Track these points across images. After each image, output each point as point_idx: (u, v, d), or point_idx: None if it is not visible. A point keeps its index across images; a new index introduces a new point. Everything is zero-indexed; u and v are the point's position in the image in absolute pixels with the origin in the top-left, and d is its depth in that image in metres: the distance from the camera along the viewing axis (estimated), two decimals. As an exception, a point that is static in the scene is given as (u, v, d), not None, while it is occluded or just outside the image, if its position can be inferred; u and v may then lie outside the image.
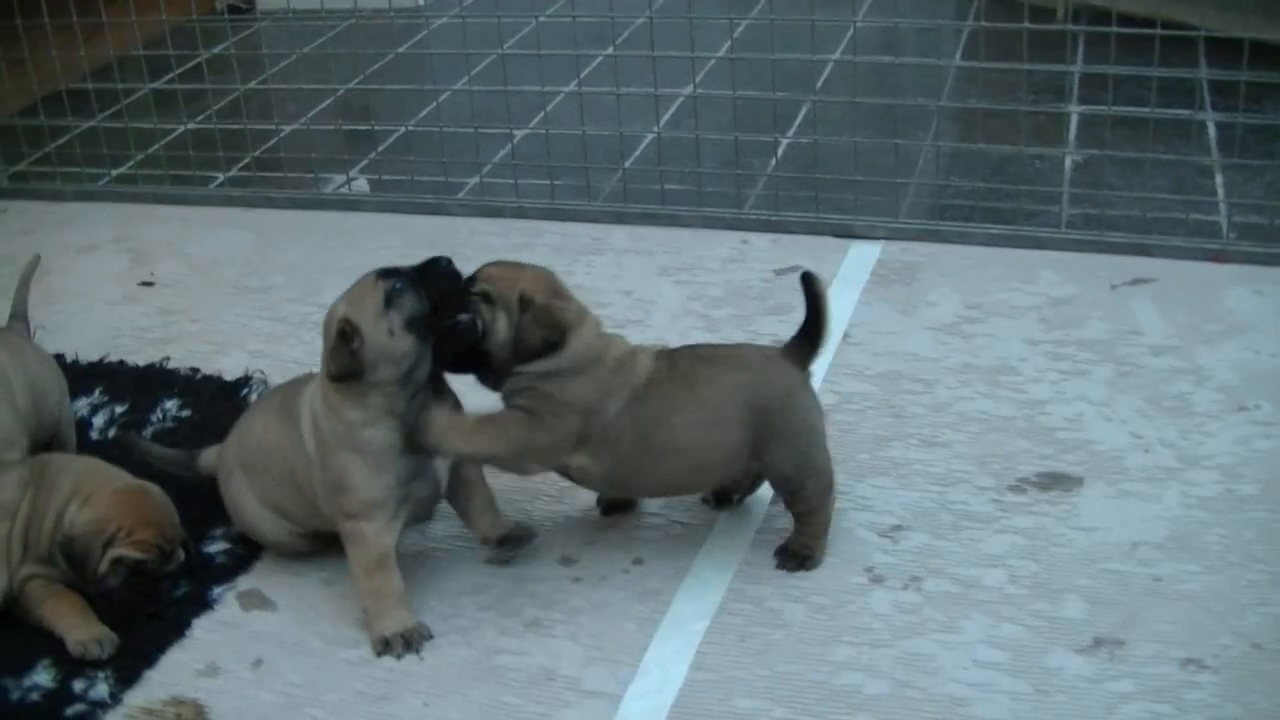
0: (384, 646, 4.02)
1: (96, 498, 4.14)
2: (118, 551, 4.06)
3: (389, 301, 3.94)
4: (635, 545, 4.32)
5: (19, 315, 4.93)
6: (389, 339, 3.93)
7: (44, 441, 4.57)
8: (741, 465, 4.16)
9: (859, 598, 4.07)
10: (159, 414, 5.20)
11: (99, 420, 5.18)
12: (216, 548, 4.48)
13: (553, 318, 4.01)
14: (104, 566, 4.06)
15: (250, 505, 4.31)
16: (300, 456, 4.14)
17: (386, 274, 3.99)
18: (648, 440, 4.04)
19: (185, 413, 5.20)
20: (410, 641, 4.02)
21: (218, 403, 5.24)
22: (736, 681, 3.82)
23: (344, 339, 3.93)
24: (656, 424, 4.04)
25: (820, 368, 4.98)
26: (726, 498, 4.43)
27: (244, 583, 4.35)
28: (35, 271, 5.06)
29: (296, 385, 4.34)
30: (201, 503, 4.58)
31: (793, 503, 4.17)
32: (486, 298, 4.03)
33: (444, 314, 3.99)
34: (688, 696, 3.77)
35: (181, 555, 4.20)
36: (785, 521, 4.32)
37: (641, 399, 4.04)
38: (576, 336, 4.03)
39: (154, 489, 4.26)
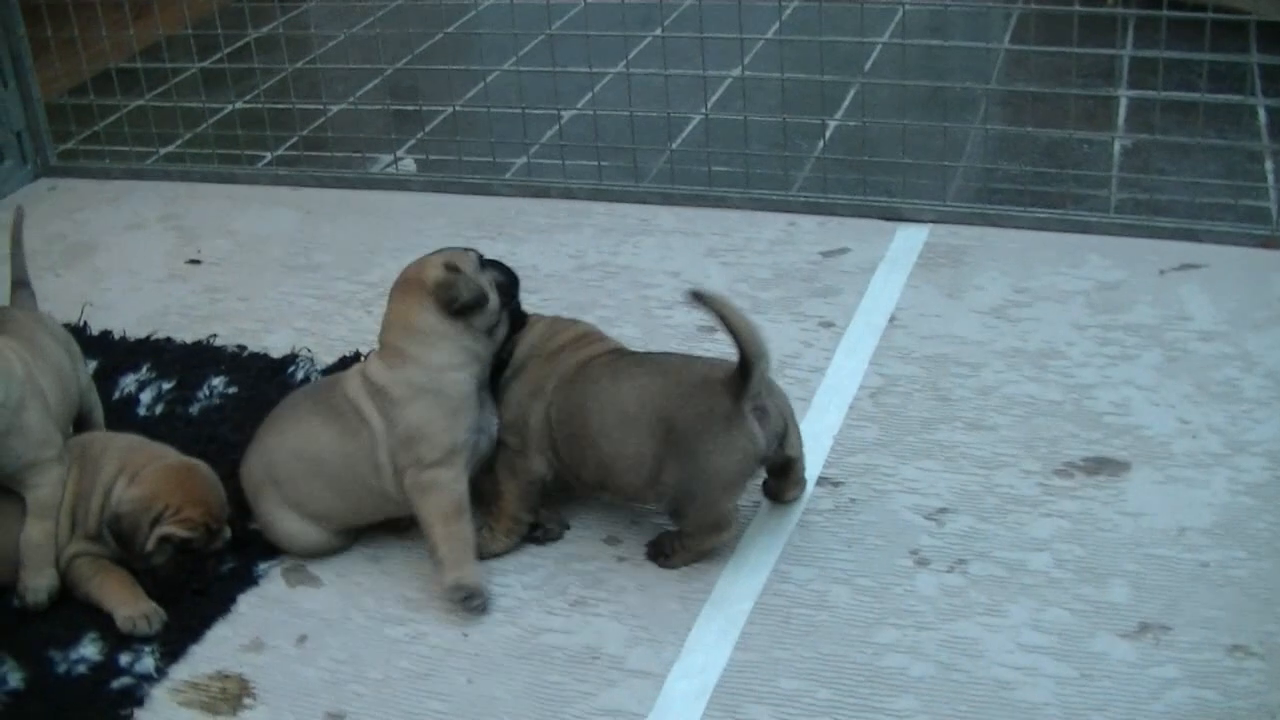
0: (463, 594, 4.06)
1: (144, 475, 4.16)
2: (165, 529, 4.08)
3: (482, 264, 4.24)
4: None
5: (22, 281, 4.87)
6: (488, 288, 4.15)
7: (74, 416, 4.59)
8: (645, 476, 4.07)
9: (904, 580, 4.06)
10: (206, 391, 5.22)
11: (146, 396, 5.21)
12: (262, 524, 4.49)
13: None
14: (151, 544, 4.08)
15: (288, 518, 4.31)
16: (359, 445, 4.16)
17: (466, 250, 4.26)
18: (567, 424, 4.14)
19: (232, 390, 5.21)
20: (486, 595, 4.08)
21: (264, 380, 5.26)
22: (780, 663, 3.82)
23: (452, 271, 4.14)
24: (575, 409, 4.12)
25: (867, 350, 5.02)
26: (778, 494, 4.37)
27: (290, 559, 4.37)
28: (23, 228, 4.97)
29: (324, 390, 4.38)
30: (246, 479, 4.62)
31: (673, 518, 4.15)
32: None
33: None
34: (731, 677, 3.77)
35: (228, 533, 4.23)
36: (831, 504, 4.33)
37: (571, 382, 4.14)
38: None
39: (202, 466, 4.28)
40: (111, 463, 4.23)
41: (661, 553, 4.16)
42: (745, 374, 3.91)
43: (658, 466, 4.00)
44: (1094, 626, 3.86)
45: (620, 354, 4.24)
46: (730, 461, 3.97)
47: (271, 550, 4.39)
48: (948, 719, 3.62)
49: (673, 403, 3.99)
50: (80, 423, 4.65)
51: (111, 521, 4.13)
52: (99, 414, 4.80)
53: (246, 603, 4.20)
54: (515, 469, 4.23)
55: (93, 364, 4.99)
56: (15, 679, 3.99)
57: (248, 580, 4.28)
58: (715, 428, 3.94)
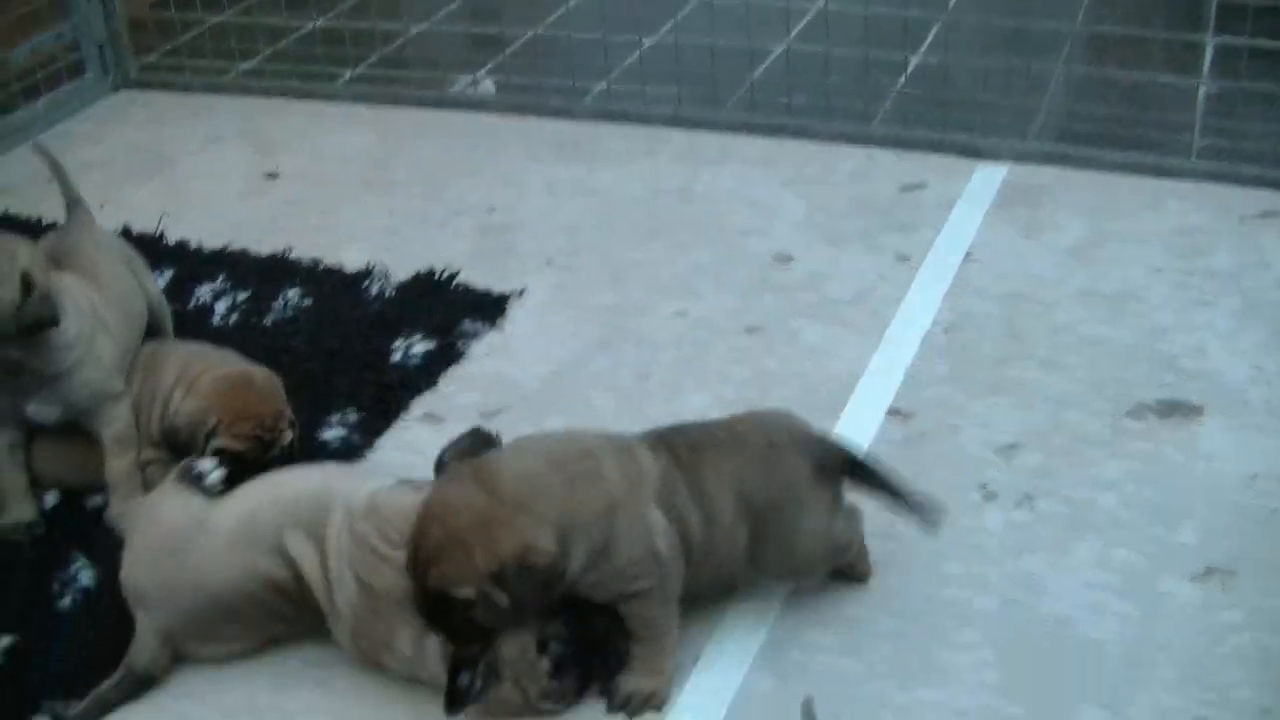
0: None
1: (198, 386, 4.19)
2: (218, 443, 4.10)
3: None
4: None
5: (75, 199, 4.84)
6: None
7: (142, 333, 4.60)
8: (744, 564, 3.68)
9: (971, 514, 4.06)
10: (280, 302, 5.25)
11: (221, 307, 5.25)
12: (332, 434, 4.54)
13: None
14: (208, 455, 4.10)
15: None
16: None
17: None
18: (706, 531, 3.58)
19: (306, 302, 5.25)
20: None
21: (339, 294, 5.29)
22: (846, 589, 3.82)
23: None
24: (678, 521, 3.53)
25: (941, 285, 5.01)
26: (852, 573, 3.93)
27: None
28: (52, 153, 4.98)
29: None
30: (316, 388, 4.66)
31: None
32: None
33: None
34: (795, 601, 3.78)
35: (288, 437, 4.23)
36: (901, 435, 4.33)
37: (663, 504, 3.49)
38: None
39: (257, 376, 4.29)
40: (170, 371, 4.28)
41: None
42: (838, 475, 3.68)
43: (750, 554, 3.62)
44: (1160, 568, 3.85)
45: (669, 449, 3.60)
46: (819, 517, 3.66)
47: (339, 459, 4.41)
48: (1010, 652, 3.61)
49: (754, 486, 3.58)
50: (150, 333, 4.67)
51: (169, 433, 4.18)
52: (168, 324, 4.83)
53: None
54: (670, 602, 3.54)
55: (168, 273, 5.04)
56: (87, 577, 4.04)
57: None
58: (803, 494, 3.62)
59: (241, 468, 4.08)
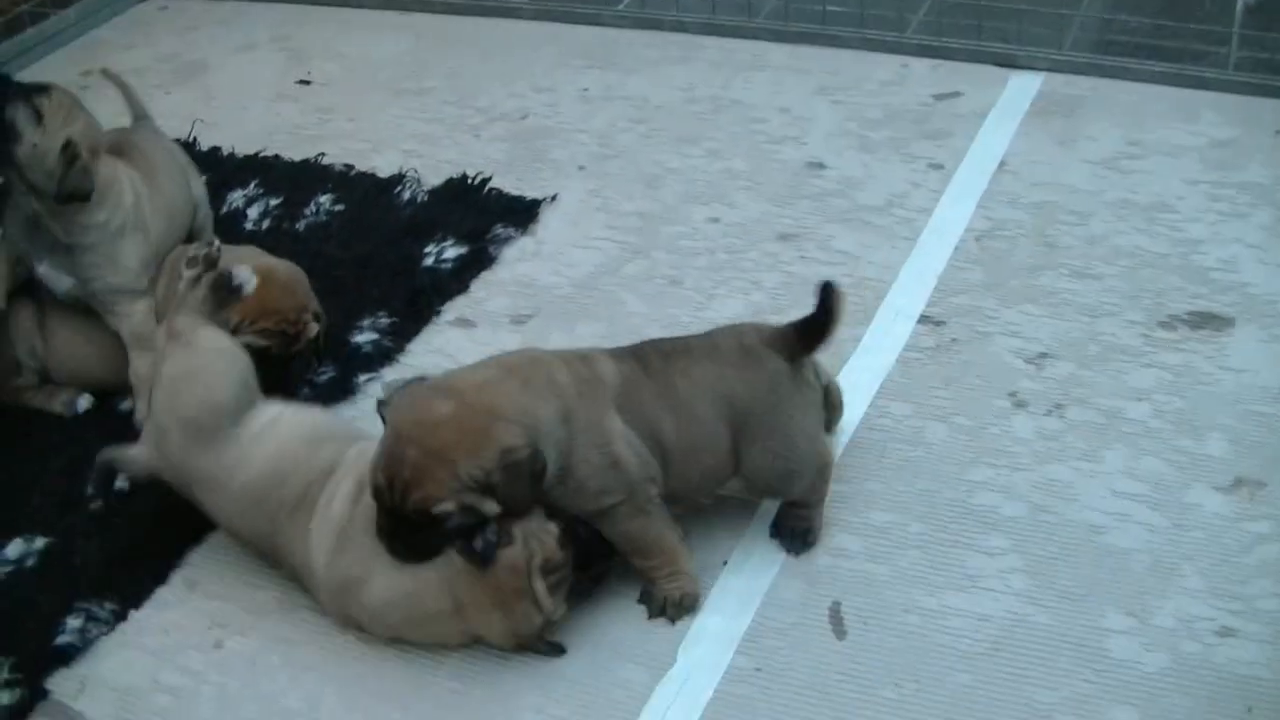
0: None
1: None
2: (242, 339, 4.08)
3: None
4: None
5: (143, 115, 4.87)
6: None
7: (182, 236, 4.62)
8: (727, 471, 3.65)
9: (1001, 421, 4.07)
10: (313, 208, 5.26)
11: (253, 212, 5.26)
12: (364, 338, 4.56)
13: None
14: None
15: None
16: None
17: None
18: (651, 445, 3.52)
19: (339, 207, 5.26)
20: None
21: (371, 199, 5.30)
22: (874, 495, 3.85)
23: None
24: (652, 432, 3.51)
25: (974, 194, 4.99)
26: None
27: (389, 372, 4.43)
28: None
29: None
30: (348, 293, 4.68)
31: (779, 498, 3.76)
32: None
33: None
34: (827, 507, 3.78)
35: (314, 330, 4.23)
36: (932, 342, 4.35)
37: (627, 410, 3.48)
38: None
39: (280, 271, 4.27)
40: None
41: (798, 533, 3.75)
42: (809, 345, 3.58)
43: (736, 457, 3.60)
44: (1189, 478, 3.85)
45: (638, 360, 3.59)
46: (803, 409, 3.62)
47: (371, 363, 4.47)
48: (1037, 559, 3.63)
49: (732, 389, 3.55)
50: (192, 235, 4.69)
51: None
52: (210, 229, 4.84)
53: (346, 411, 4.28)
54: (648, 513, 3.51)
55: (201, 179, 5.02)
56: (120, 480, 4.05)
57: (347, 390, 4.36)
58: (782, 387, 3.58)
59: (268, 363, 4.11)
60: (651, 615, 3.57)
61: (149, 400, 4.05)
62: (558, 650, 3.45)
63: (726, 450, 3.56)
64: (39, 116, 4.04)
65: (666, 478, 3.51)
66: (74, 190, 4.06)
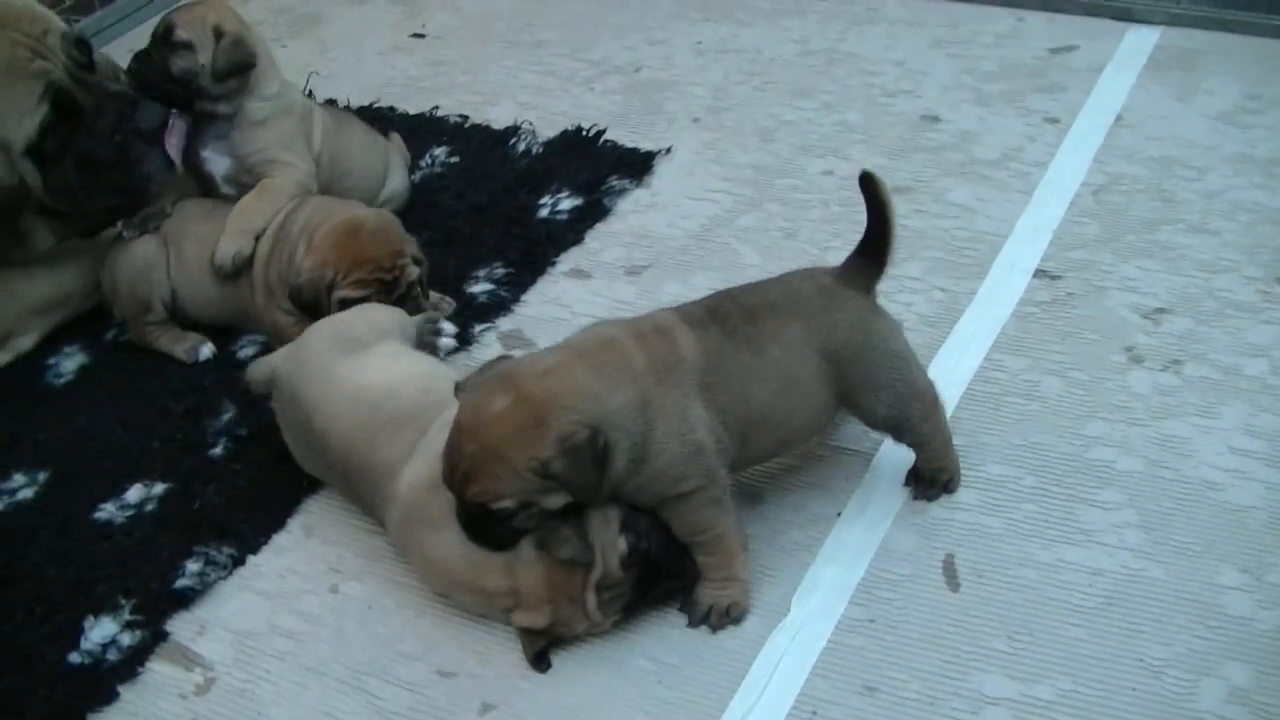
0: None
1: (315, 241, 4.22)
2: (339, 294, 4.15)
3: None
4: (895, 308, 4.31)
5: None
6: None
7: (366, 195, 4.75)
8: (829, 417, 3.64)
9: (1117, 376, 4.05)
10: (428, 159, 5.30)
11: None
12: (479, 288, 4.60)
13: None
14: (334, 310, 4.15)
15: None
16: None
17: None
18: (741, 422, 3.43)
19: (454, 159, 5.29)
20: None
21: (486, 150, 5.33)
22: (989, 448, 3.85)
23: None
24: (739, 403, 3.41)
25: (1091, 148, 4.96)
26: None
27: (505, 323, 4.47)
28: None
29: None
30: (464, 244, 4.73)
31: (900, 438, 3.66)
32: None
33: None
34: (955, 451, 3.77)
35: (414, 273, 4.23)
36: (1048, 296, 4.33)
37: (714, 386, 3.37)
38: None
39: (368, 219, 4.28)
40: (296, 227, 4.32)
41: (934, 480, 3.72)
42: (879, 262, 3.50)
43: (833, 410, 3.57)
44: (1308, 435, 3.83)
45: (719, 323, 3.45)
46: (900, 339, 3.58)
47: (488, 313, 4.50)
48: (1152, 514, 3.62)
49: (824, 335, 3.46)
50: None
51: (293, 295, 4.23)
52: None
53: (462, 362, 4.26)
54: (721, 504, 3.42)
55: (404, 172, 5.07)
56: (237, 425, 4.15)
57: (464, 341, 4.37)
58: (873, 325, 3.52)
59: None
60: (691, 623, 3.48)
61: (236, 230, 4.35)
62: (544, 667, 3.41)
63: (821, 407, 3.52)
64: (184, 45, 4.32)
65: (747, 448, 3.46)
66: (231, 64, 4.34)
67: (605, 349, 3.30)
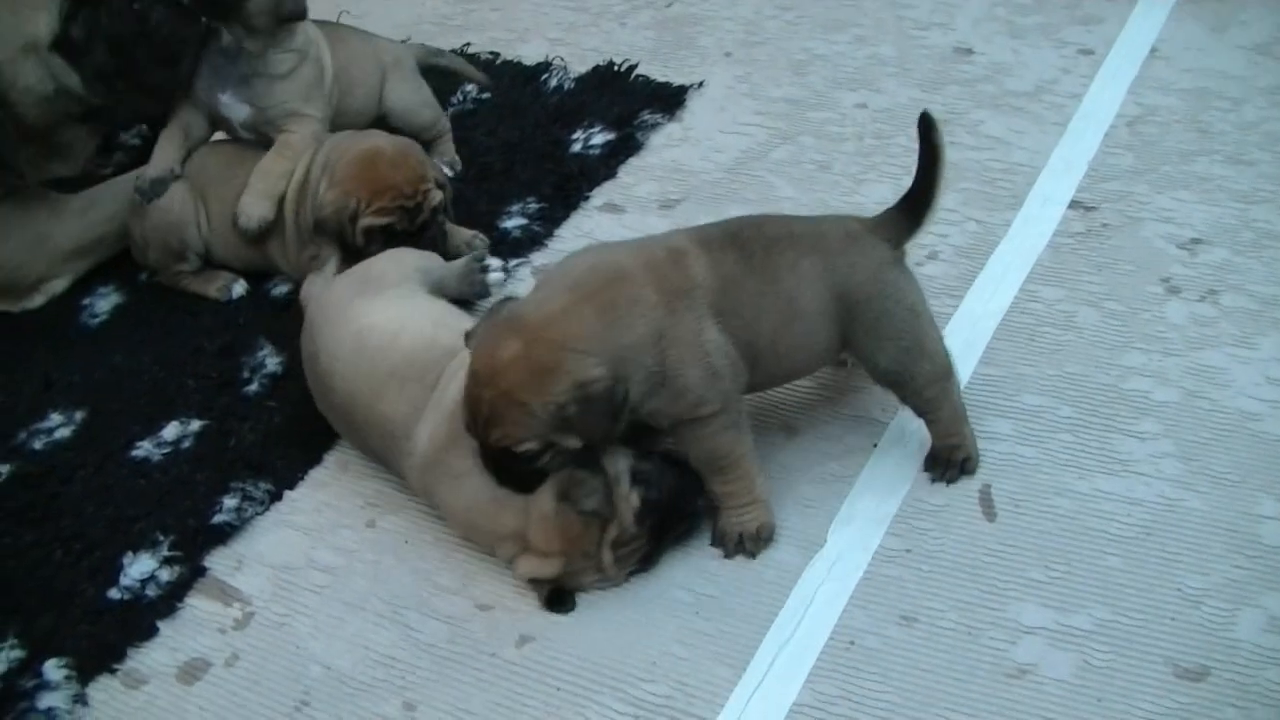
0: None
1: (336, 173, 4.24)
2: (364, 222, 4.16)
3: None
4: (929, 241, 4.31)
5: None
6: None
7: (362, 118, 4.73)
8: (831, 356, 3.62)
9: (1153, 306, 4.03)
10: (459, 96, 5.29)
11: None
12: (513, 223, 4.60)
13: None
14: (360, 239, 4.17)
15: None
16: None
17: None
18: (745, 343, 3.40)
19: (485, 95, 5.27)
20: None
21: (518, 87, 5.32)
22: (1025, 378, 3.84)
23: None
24: (751, 328, 3.38)
25: (1126, 79, 4.93)
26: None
27: (539, 258, 4.47)
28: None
29: None
30: (497, 179, 4.74)
31: (905, 398, 3.60)
32: None
33: None
34: (975, 389, 3.80)
35: (436, 198, 4.23)
36: (1083, 227, 4.31)
37: (726, 310, 3.35)
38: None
39: (386, 147, 4.28)
40: (320, 161, 4.34)
41: (949, 460, 3.62)
42: (919, 216, 3.47)
43: (845, 345, 3.52)
44: (1346, 362, 3.82)
45: (738, 246, 3.43)
46: (920, 297, 3.51)
47: (522, 247, 4.51)
48: (1189, 444, 3.61)
49: (839, 277, 3.43)
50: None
51: (318, 227, 4.24)
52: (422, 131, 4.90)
53: (493, 297, 4.26)
54: (739, 427, 3.42)
55: (413, 85, 5.06)
56: (272, 363, 4.18)
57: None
58: (889, 275, 3.46)
59: (398, 241, 4.18)
60: (728, 554, 3.49)
61: (259, 192, 4.32)
62: (567, 608, 3.41)
63: (824, 345, 3.49)
64: None
65: (754, 374, 3.44)
66: (292, 11, 4.32)
67: (614, 284, 3.28)
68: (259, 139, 4.44)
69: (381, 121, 4.76)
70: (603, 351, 3.18)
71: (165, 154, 4.45)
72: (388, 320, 3.71)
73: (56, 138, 4.45)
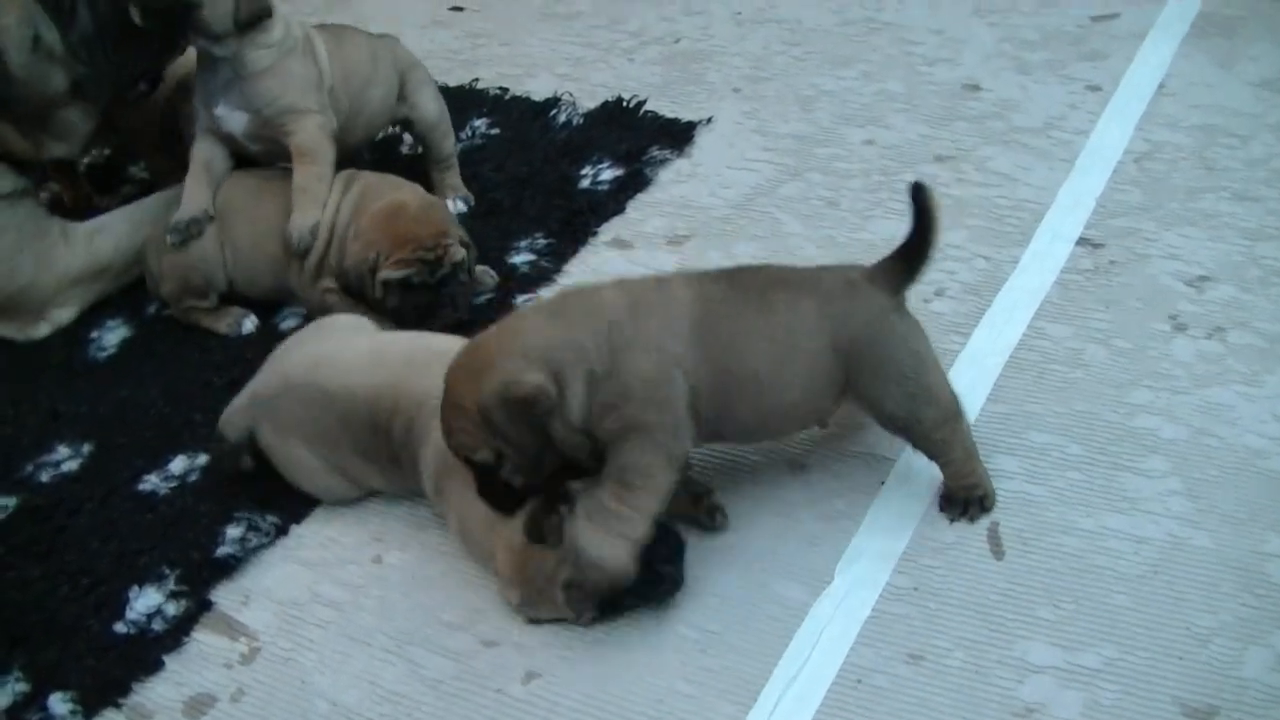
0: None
1: (360, 225, 4.27)
2: (382, 275, 4.18)
3: None
4: (937, 278, 4.31)
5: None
6: None
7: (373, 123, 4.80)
8: (830, 407, 3.55)
9: (1161, 344, 4.03)
10: (468, 131, 5.30)
11: (409, 136, 5.26)
12: (521, 258, 4.61)
13: None
14: (378, 292, 4.19)
15: None
16: None
17: None
18: (719, 378, 3.35)
19: (494, 131, 5.30)
20: None
21: (527, 122, 5.33)
22: (1033, 416, 3.83)
23: None
24: (726, 359, 3.35)
25: (1133, 115, 4.93)
26: None
27: (547, 293, 4.44)
28: None
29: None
30: (505, 215, 4.75)
31: (916, 443, 3.55)
32: None
33: None
34: (982, 428, 3.78)
35: (458, 255, 4.23)
36: (1091, 264, 4.31)
37: (707, 332, 3.33)
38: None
39: (409, 201, 4.31)
40: (348, 208, 4.36)
41: (964, 499, 3.59)
42: (913, 268, 3.41)
43: (850, 392, 3.47)
44: (1354, 402, 3.81)
45: (728, 280, 3.43)
46: (922, 340, 3.48)
47: (529, 283, 4.50)
48: (1197, 482, 3.60)
49: (841, 322, 3.40)
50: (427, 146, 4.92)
51: (340, 279, 4.28)
52: (438, 143, 4.95)
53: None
54: (669, 452, 3.29)
55: (425, 88, 5.09)
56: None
57: (507, 310, 4.33)
58: (890, 321, 3.43)
59: (418, 295, 4.19)
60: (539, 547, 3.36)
61: (304, 211, 4.31)
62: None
63: (817, 394, 3.45)
64: None
65: (725, 412, 3.37)
66: (253, 13, 4.33)
67: (576, 296, 3.35)
68: (266, 150, 4.46)
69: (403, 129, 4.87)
70: (541, 352, 3.18)
71: (195, 195, 4.45)
72: (406, 335, 3.81)
73: (52, 119, 4.47)
